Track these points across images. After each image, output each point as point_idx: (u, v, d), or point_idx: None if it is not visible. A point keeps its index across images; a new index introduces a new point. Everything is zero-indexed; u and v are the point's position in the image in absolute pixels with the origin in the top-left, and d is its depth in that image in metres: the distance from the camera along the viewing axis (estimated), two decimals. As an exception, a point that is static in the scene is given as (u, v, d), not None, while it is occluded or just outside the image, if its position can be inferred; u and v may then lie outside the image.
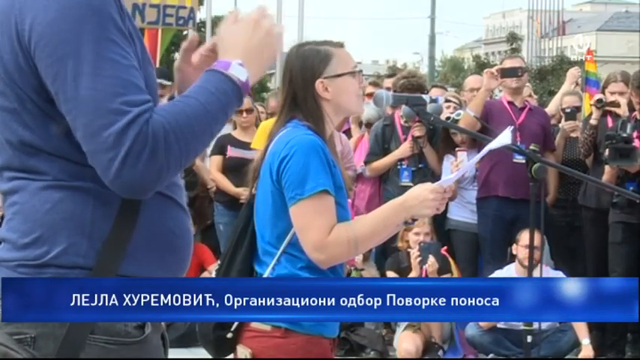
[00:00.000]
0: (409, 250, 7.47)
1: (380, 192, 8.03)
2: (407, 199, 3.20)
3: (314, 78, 3.29)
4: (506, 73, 7.72)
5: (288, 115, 3.31)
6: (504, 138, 3.31)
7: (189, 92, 2.14)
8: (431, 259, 7.27)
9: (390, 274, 7.52)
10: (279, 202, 3.19)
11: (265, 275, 3.19)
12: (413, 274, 7.30)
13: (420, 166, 7.76)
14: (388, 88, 7.64)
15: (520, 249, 7.28)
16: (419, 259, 7.30)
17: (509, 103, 7.77)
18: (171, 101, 2.13)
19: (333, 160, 3.22)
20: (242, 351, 3.23)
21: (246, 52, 2.19)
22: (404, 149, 7.80)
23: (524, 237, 7.26)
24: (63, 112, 2.05)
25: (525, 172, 7.60)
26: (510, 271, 7.33)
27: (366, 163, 7.99)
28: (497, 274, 7.34)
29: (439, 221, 7.77)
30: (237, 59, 2.17)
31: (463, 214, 7.96)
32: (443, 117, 7.33)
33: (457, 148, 7.80)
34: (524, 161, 7.55)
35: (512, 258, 7.41)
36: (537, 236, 4.13)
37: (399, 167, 7.83)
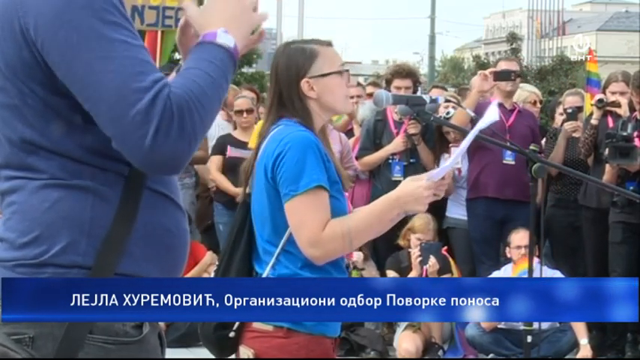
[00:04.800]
0: (409, 249, 7.47)
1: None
2: (401, 196, 3.18)
3: (299, 77, 3.29)
4: (499, 76, 7.71)
5: (277, 114, 3.31)
6: (492, 114, 3.28)
7: (190, 64, 2.16)
8: (432, 259, 7.27)
9: (390, 273, 7.53)
10: (276, 200, 3.18)
11: (265, 274, 3.20)
12: (413, 274, 7.30)
13: (411, 160, 7.77)
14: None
15: (513, 251, 7.29)
16: (419, 259, 7.30)
17: (499, 105, 7.76)
18: (179, 74, 2.15)
19: (327, 154, 3.22)
20: (244, 351, 3.22)
21: (225, 21, 2.21)
22: (397, 144, 7.80)
23: (515, 239, 7.28)
24: (81, 101, 2.04)
25: (515, 172, 7.60)
26: (507, 272, 7.34)
27: (358, 158, 7.97)
28: (495, 275, 7.35)
29: (437, 220, 7.77)
30: (221, 28, 2.19)
31: (461, 212, 7.95)
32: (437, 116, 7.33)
33: (450, 145, 7.80)
34: (513, 162, 7.62)
35: (509, 259, 7.42)
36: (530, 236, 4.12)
37: (390, 161, 7.82)
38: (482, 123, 3.24)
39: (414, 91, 7.79)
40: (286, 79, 3.30)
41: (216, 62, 2.15)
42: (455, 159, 3.44)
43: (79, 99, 2.05)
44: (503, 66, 7.96)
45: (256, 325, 3.18)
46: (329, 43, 3.39)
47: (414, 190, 3.18)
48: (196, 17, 2.26)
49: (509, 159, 7.56)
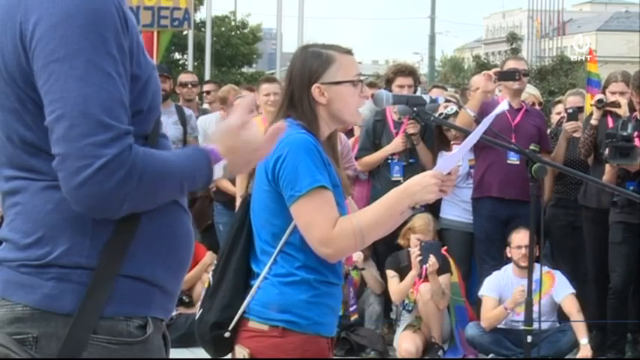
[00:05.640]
0: (409, 249, 7.46)
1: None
2: (409, 186, 3.19)
3: (311, 81, 3.27)
4: (503, 76, 7.69)
5: (285, 114, 3.30)
6: (502, 106, 3.31)
7: (177, 153, 2.16)
8: (432, 259, 7.26)
9: (390, 273, 7.53)
10: (275, 201, 3.18)
11: (262, 274, 3.20)
12: (413, 274, 7.30)
13: (410, 161, 7.77)
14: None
15: (514, 251, 7.29)
16: (419, 258, 7.29)
17: None
18: (157, 150, 2.14)
19: (328, 158, 3.22)
20: (240, 351, 3.22)
21: (231, 159, 2.21)
22: (396, 144, 7.80)
23: (515, 238, 7.28)
24: (46, 113, 2.03)
25: (519, 172, 7.60)
26: (508, 271, 7.35)
27: (357, 158, 7.96)
28: (495, 274, 7.36)
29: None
30: (225, 160, 2.19)
31: (456, 212, 7.93)
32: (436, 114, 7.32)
33: (452, 142, 7.79)
34: (518, 162, 7.63)
35: (509, 259, 7.42)
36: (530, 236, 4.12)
37: (389, 162, 7.82)
38: (493, 114, 3.27)
39: (416, 89, 7.80)
40: (299, 82, 3.29)
41: (194, 174, 2.15)
42: (463, 149, 3.45)
43: (46, 110, 2.04)
44: (511, 64, 7.94)
45: (252, 324, 3.19)
46: (348, 51, 3.36)
47: (421, 179, 3.19)
48: (222, 130, 2.25)
49: (513, 159, 7.53)
